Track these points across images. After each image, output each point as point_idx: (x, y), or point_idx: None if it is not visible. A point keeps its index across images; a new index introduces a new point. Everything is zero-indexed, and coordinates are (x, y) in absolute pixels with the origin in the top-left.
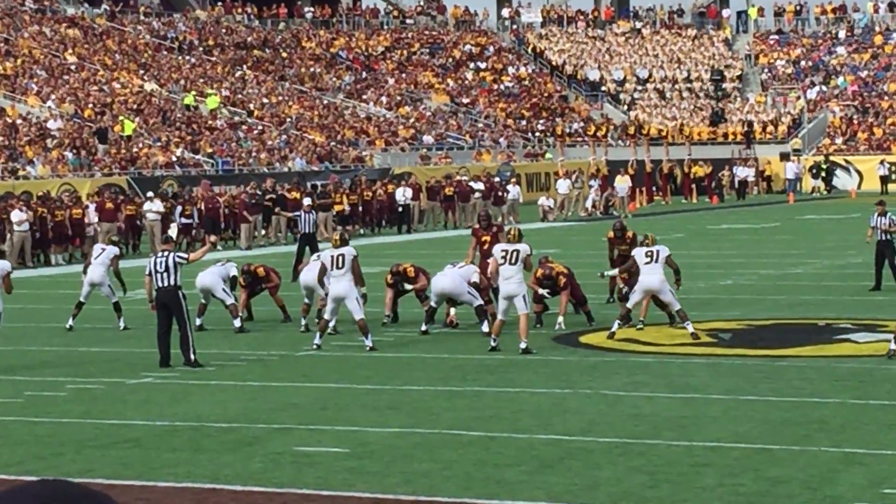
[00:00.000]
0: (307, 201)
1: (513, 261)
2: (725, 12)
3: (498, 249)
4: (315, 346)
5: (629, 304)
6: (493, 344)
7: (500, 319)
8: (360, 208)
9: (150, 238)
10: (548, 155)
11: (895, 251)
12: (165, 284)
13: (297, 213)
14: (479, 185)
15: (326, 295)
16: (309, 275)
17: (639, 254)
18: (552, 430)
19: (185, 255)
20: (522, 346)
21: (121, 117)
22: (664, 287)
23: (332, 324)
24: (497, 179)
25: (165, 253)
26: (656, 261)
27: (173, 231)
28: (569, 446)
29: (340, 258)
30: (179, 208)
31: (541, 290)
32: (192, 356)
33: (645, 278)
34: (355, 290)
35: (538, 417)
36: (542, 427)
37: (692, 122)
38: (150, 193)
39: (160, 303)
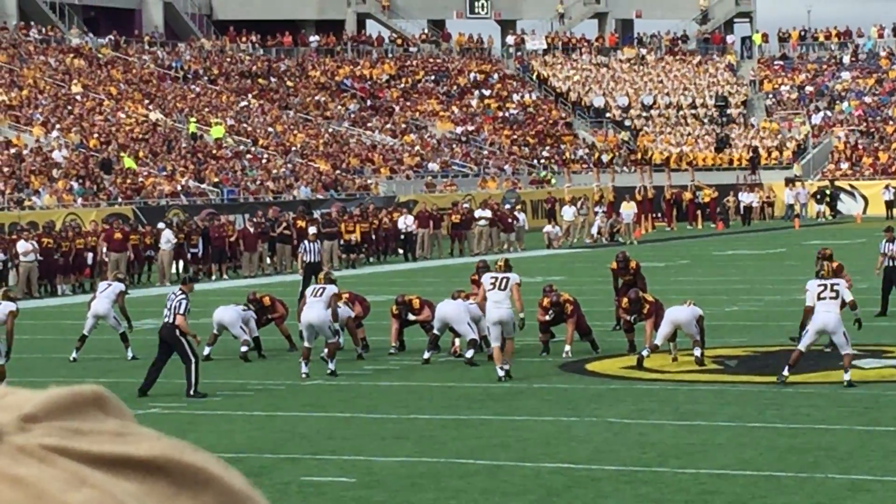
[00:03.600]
0: (312, 230)
1: (502, 287)
2: (730, 38)
3: (487, 277)
4: (304, 375)
5: (658, 341)
6: (500, 374)
7: (495, 346)
8: (373, 236)
9: (161, 268)
10: (553, 181)
11: None
12: (167, 321)
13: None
14: (486, 213)
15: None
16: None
17: (813, 287)
18: (558, 458)
19: (185, 311)
20: (505, 368)
21: (122, 154)
22: (691, 322)
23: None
24: (507, 207)
25: (181, 293)
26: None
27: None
28: (575, 475)
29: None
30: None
31: (545, 317)
32: (191, 392)
33: (673, 312)
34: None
35: (544, 446)
36: (549, 455)
37: (697, 148)
38: (161, 224)
39: (160, 338)
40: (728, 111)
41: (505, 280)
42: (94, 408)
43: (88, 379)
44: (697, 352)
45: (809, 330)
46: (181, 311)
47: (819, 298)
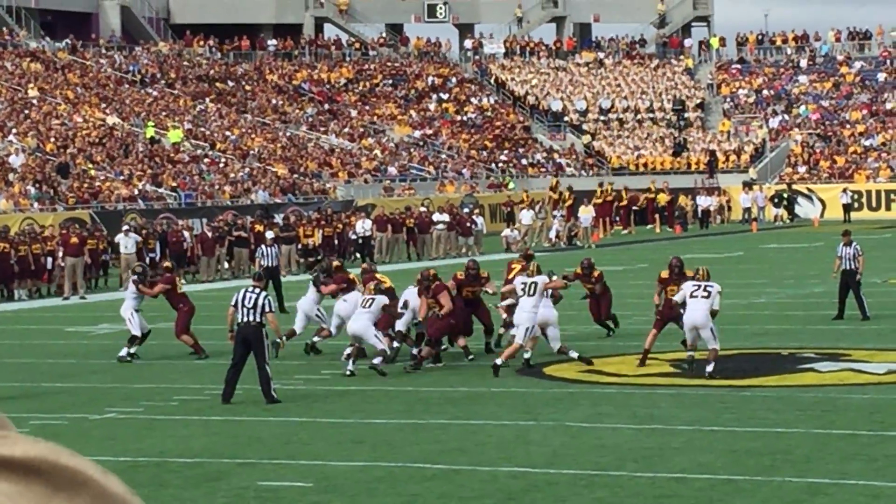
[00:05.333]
0: (270, 234)
1: (531, 292)
2: (688, 42)
3: (518, 282)
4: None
5: (689, 350)
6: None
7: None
8: (336, 241)
9: (124, 271)
10: (510, 185)
11: (859, 282)
12: (250, 320)
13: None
14: (444, 217)
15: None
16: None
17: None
18: (516, 462)
19: (272, 307)
20: (499, 361)
21: (79, 158)
22: (707, 323)
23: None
24: (466, 211)
25: (256, 290)
26: (706, 296)
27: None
28: (533, 479)
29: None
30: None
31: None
32: (273, 393)
33: (690, 313)
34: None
35: (502, 450)
36: (506, 459)
37: (655, 151)
38: (125, 227)
39: (241, 337)
40: (686, 115)
41: (534, 285)
42: None
43: (44, 384)
44: (710, 367)
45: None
46: (270, 309)
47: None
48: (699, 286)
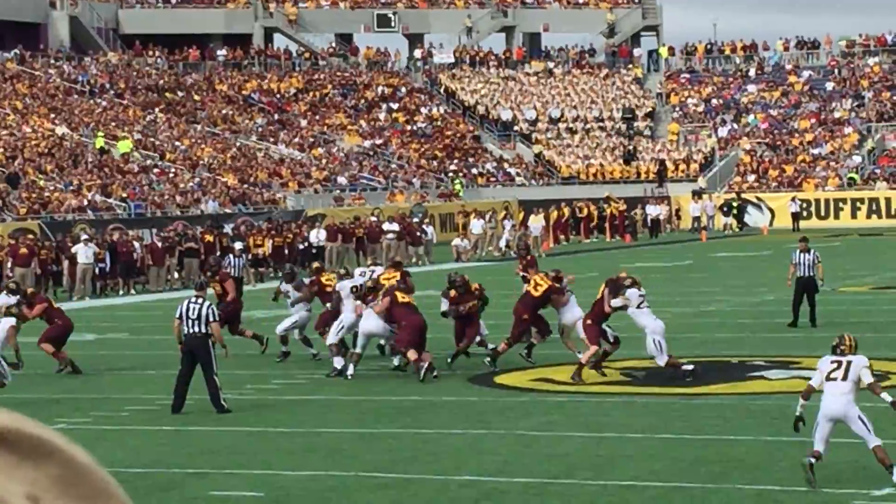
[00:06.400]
0: (238, 245)
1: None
2: (637, 51)
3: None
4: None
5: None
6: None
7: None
8: (286, 251)
9: (82, 280)
10: (456, 186)
11: (817, 289)
12: (196, 331)
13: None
14: (394, 227)
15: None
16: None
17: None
18: (468, 470)
19: (217, 317)
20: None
21: (28, 168)
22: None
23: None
24: (416, 220)
25: (199, 300)
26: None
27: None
28: (484, 487)
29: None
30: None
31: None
32: (223, 403)
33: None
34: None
35: (454, 458)
36: (458, 468)
37: (604, 160)
38: (84, 236)
39: (188, 349)
40: (635, 124)
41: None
42: None
43: None
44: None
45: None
46: (214, 319)
47: None
48: None
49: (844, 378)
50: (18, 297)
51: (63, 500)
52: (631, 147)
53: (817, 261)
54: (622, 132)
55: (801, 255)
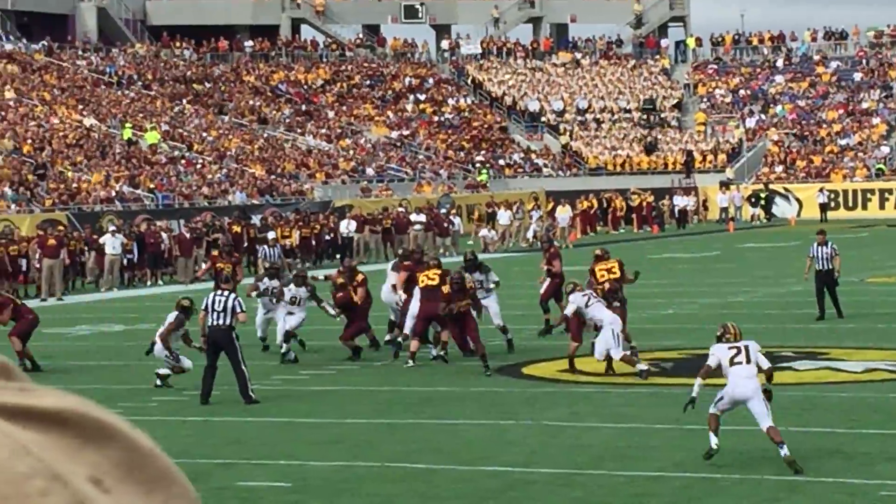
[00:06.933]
0: (272, 235)
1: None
2: (664, 42)
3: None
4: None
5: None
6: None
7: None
8: (313, 241)
9: (109, 271)
10: (483, 177)
11: (837, 281)
12: (220, 323)
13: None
14: (421, 217)
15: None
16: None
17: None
18: (494, 461)
19: (243, 308)
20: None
21: (56, 159)
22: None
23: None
24: (443, 211)
25: (225, 293)
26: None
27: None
28: (510, 478)
29: None
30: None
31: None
32: (251, 393)
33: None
34: None
35: (479, 449)
36: (484, 459)
37: (632, 151)
38: (112, 227)
39: (212, 341)
40: (660, 114)
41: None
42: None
43: None
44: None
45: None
46: (241, 310)
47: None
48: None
49: (748, 361)
50: None
51: (125, 484)
52: (652, 137)
53: (835, 254)
54: (643, 122)
55: (819, 248)
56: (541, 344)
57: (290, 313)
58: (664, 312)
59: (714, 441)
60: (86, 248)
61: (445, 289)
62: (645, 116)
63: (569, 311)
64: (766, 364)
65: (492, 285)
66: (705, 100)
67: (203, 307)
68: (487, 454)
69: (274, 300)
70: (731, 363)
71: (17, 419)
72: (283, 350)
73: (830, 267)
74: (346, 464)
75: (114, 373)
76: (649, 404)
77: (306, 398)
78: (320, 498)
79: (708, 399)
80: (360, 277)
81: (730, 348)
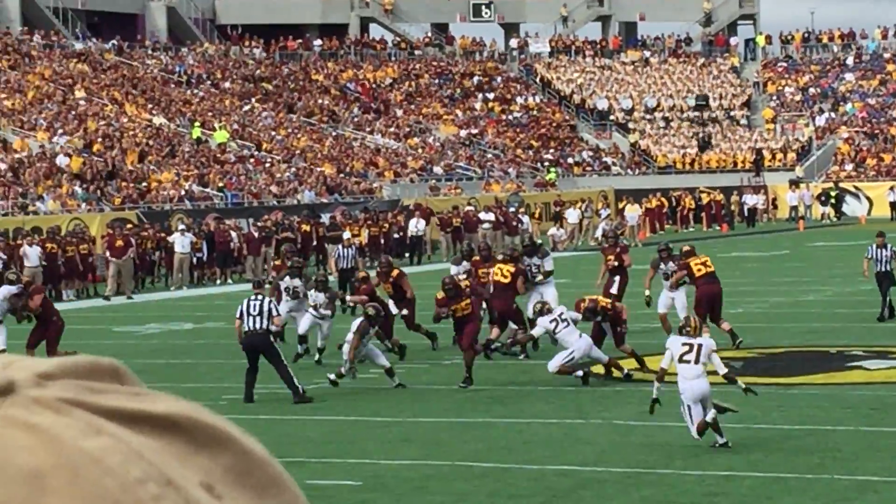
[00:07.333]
0: (346, 235)
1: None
2: (733, 40)
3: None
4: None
5: None
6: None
7: None
8: (382, 240)
9: (179, 270)
10: (552, 175)
11: (894, 282)
12: (257, 328)
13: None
14: (489, 216)
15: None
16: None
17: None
18: (564, 460)
19: (279, 311)
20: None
21: (127, 158)
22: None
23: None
24: (512, 210)
25: (259, 297)
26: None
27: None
28: (581, 476)
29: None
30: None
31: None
32: (300, 390)
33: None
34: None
35: (550, 448)
36: (554, 458)
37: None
38: (181, 226)
39: (249, 346)
40: (710, 111)
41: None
42: (111, 377)
43: None
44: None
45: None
46: (277, 313)
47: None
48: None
49: (696, 361)
50: (20, 287)
51: (237, 490)
52: (704, 134)
53: (893, 256)
54: (696, 120)
55: (878, 250)
56: (608, 343)
57: (320, 319)
58: (734, 311)
59: (721, 440)
60: (155, 247)
61: (440, 294)
62: (698, 112)
63: (536, 332)
64: (722, 370)
65: (548, 268)
66: (775, 98)
67: (238, 314)
68: (558, 452)
69: (298, 298)
70: (680, 360)
71: (131, 424)
72: (299, 350)
73: (888, 269)
74: (418, 462)
75: (183, 371)
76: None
77: (378, 396)
78: (390, 496)
79: (790, 400)
80: (395, 273)
81: (683, 344)
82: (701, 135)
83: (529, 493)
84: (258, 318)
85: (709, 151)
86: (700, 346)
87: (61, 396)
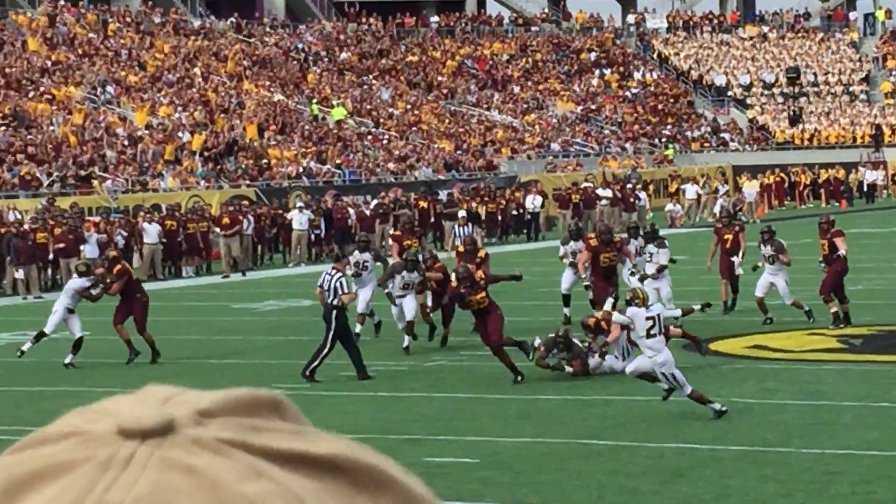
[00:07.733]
0: (462, 214)
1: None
2: (853, 15)
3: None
4: None
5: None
6: None
7: None
8: (499, 217)
9: (297, 247)
10: (670, 153)
11: None
12: (327, 302)
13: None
14: (608, 192)
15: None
16: None
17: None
18: (682, 438)
19: (347, 289)
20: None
21: (246, 135)
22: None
23: None
24: (629, 186)
25: (333, 272)
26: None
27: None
28: (699, 455)
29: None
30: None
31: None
32: (364, 369)
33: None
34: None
35: (668, 426)
36: (673, 436)
37: (819, 125)
38: (299, 203)
39: (324, 317)
40: (801, 86)
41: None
42: (271, 411)
43: (212, 360)
44: None
45: None
46: (344, 291)
47: None
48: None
49: (660, 332)
50: (92, 278)
51: None
52: (796, 107)
53: None
54: (787, 93)
55: None
56: (729, 319)
57: (362, 286)
58: (854, 288)
59: (716, 406)
60: (271, 224)
61: (453, 283)
62: (790, 87)
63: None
64: (678, 311)
65: (663, 261)
66: (894, 73)
67: (319, 283)
68: (676, 431)
69: (366, 270)
70: (648, 335)
71: (292, 466)
72: (357, 331)
73: None
74: (535, 440)
75: (301, 348)
76: (839, 381)
77: (495, 374)
78: (508, 473)
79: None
80: (482, 253)
81: (647, 318)
82: (793, 108)
83: (647, 470)
84: (328, 294)
85: (799, 125)
86: (658, 315)
87: (221, 437)
